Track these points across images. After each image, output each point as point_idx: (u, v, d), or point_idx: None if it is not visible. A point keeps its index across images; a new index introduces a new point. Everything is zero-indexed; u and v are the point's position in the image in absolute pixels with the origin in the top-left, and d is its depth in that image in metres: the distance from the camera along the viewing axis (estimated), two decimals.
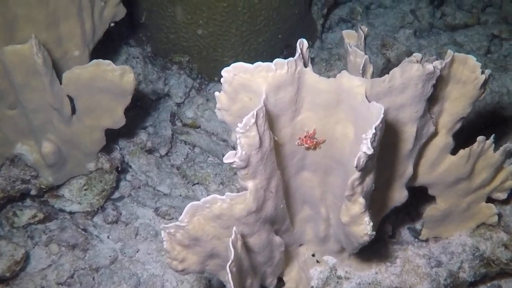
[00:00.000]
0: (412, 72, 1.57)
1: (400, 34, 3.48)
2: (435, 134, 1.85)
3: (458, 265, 2.06)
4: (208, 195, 2.82)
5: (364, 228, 1.59)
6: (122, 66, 2.27)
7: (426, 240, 2.15)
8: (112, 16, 2.63)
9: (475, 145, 1.88)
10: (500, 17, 3.73)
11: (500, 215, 2.10)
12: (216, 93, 1.59)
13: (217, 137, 3.09)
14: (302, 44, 1.58)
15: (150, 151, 2.99)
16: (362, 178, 1.51)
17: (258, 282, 1.81)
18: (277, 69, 1.51)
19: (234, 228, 1.52)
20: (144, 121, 3.15)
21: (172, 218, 2.72)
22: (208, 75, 3.30)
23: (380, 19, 3.78)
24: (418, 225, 2.38)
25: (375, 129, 1.41)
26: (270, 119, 1.58)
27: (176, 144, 3.10)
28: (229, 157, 1.45)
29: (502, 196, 2.07)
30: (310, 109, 1.64)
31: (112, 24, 2.68)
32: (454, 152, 1.93)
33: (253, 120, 1.42)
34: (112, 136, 2.83)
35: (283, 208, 1.75)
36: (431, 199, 2.13)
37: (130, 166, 2.92)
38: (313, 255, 2.03)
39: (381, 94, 1.58)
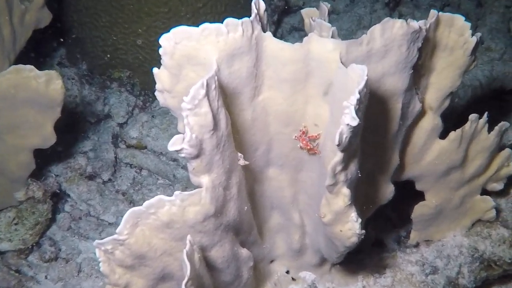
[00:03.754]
0: (395, 30, 1.29)
1: (358, 35, 3.23)
2: (421, 114, 1.56)
3: (456, 270, 1.76)
4: None
5: (352, 226, 1.29)
6: (47, 71, 1.93)
7: (416, 245, 1.85)
8: (36, 21, 2.30)
9: (467, 126, 1.61)
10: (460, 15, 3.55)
11: (497, 209, 1.82)
12: (155, 70, 1.27)
13: (166, 157, 2.76)
14: (258, 4, 1.29)
15: (90, 177, 2.63)
16: (345, 162, 1.21)
17: None
18: (230, 31, 1.21)
19: (189, 237, 1.19)
20: (83, 145, 2.79)
21: None
22: (152, 90, 2.96)
23: (335, 24, 3.52)
24: (401, 232, 2.08)
25: (359, 93, 1.11)
26: (225, 98, 1.26)
27: (120, 167, 2.74)
28: (176, 143, 1.13)
29: (498, 186, 1.80)
30: (272, 86, 1.33)
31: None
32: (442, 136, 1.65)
33: (202, 92, 1.10)
34: (45, 162, 2.48)
35: (248, 213, 1.43)
36: (414, 201, 1.84)
37: (69, 195, 2.56)
38: (287, 272, 1.71)
39: (359, 61, 1.30)
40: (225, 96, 1.26)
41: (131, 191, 2.62)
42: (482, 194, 1.81)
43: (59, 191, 2.48)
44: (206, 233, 1.26)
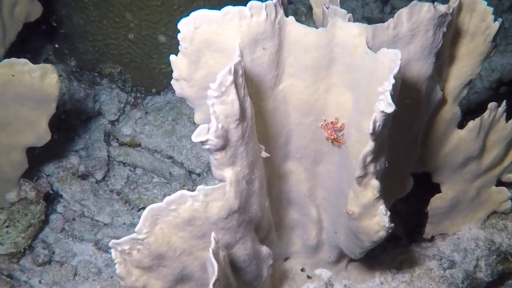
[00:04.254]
0: (422, 14, 1.23)
1: None
2: (441, 103, 1.51)
3: (473, 263, 1.72)
4: None
5: (380, 220, 1.23)
6: (42, 65, 1.84)
7: (431, 239, 1.79)
8: (26, 14, 2.21)
9: (485, 114, 1.56)
10: None
11: None
12: (172, 57, 1.20)
13: (161, 155, 2.67)
14: None
15: (83, 177, 2.53)
16: (376, 152, 1.14)
17: None
18: (253, 15, 1.14)
19: (213, 235, 1.12)
20: (74, 144, 2.69)
21: None
22: (144, 86, 2.89)
23: None
24: (412, 226, 2.02)
25: (394, 78, 1.05)
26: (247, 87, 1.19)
27: (113, 166, 2.65)
28: (201, 134, 1.05)
29: None
30: (293, 75, 1.27)
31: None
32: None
33: (230, 78, 1.03)
34: (36, 161, 2.37)
35: (268, 209, 1.36)
36: (423, 195, 1.78)
37: (61, 196, 2.45)
38: (302, 270, 1.64)
39: (385, 46, 1.22)
40: (247, 84, 1.18)
41: (126, 190, 2.53)
42: (496, 185, 1.76)
43: (51, 192, 2.39)
44: (228, 230, 1.18)
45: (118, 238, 2.31)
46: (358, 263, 1.64)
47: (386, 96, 1.04)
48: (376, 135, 1.09)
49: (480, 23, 1.43)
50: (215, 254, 1.07)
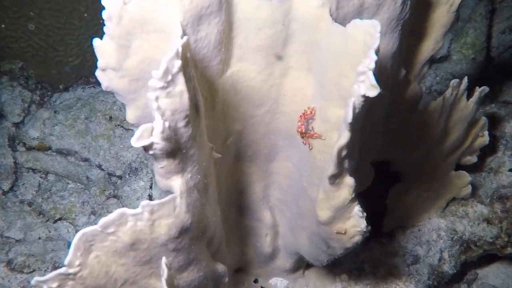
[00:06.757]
0: None
1: None
2: (403, 82, 1.34)
3: (438, 256, 1.58)
4: (76, 231, 2.15)
5: (356, 223, 1.05)
6: None
7: (390, 233, 1.64)
8: None
9: (447, 93, 1.41)
10: None
11: (472, 185, 1.64)
12: (96, 42, 0.95)
13: (75, 157, 2.39)
14: None
15: None
16: (351, 144, 0.96)
17: None
18: None
19: (164, 260, 0.90)
20: None
21: (34, 271, 1.99)
22: (50, 83, 2.60)
23: None
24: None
25: (376, 53, 0.86)
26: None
27: (22, 174, 2.36)
28: (143, 136, 0.82)
29: (473, 159, 1.62)
30: (243, 58, 1.06)
31: None
32: None
33: (178, 64, 0.80)
34: None
35: (219, 218, 1.15)
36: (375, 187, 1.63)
37: None
38: (255, 281, 1.45)
39: (349, 18, 1.05)
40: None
41: (39, 200, 2.25)
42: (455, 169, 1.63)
43: None
44: (180, 250, 0.96)
45: (34, 256, 2.05)
46: (316, 268, 1.47)
47: (369, 76, 0.85)
48: (353, 124, 0.90)
49: None
50: (170, 285, 0.85)
